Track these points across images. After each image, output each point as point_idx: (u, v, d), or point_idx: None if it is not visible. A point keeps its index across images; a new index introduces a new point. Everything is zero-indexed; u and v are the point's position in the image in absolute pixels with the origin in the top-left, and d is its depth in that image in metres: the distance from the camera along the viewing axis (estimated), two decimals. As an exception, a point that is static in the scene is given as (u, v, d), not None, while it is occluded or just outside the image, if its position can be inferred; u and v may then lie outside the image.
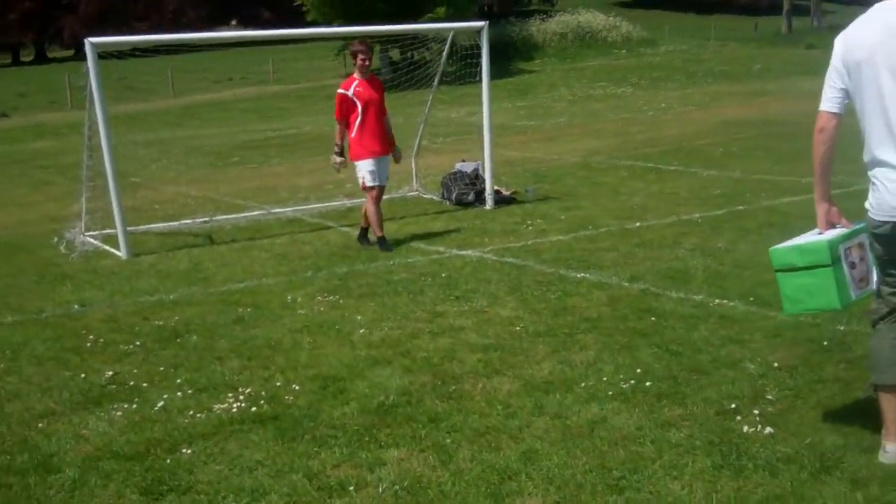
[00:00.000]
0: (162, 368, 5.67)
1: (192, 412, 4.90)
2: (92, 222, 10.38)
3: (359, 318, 6.51)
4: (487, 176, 10.87)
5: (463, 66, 12.66)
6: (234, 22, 63.05)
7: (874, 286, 3.88)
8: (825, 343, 5.27)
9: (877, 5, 3.66)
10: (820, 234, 3.93)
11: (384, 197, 9.21)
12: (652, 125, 19.53)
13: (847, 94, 3.71)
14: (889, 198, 3.58)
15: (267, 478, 4.04)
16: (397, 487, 3.86)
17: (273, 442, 4.43)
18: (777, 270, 3.99)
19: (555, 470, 3.91)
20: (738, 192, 10.46)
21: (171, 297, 7.52)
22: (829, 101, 3.76)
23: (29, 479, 4.21)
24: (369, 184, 8.77)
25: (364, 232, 9.11)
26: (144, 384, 5.40)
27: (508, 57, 39.12)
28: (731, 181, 11.35)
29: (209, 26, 51.16)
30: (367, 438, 4.38)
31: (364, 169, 8.75)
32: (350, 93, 8.70)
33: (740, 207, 9.58)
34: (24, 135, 28.15)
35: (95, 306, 7.37)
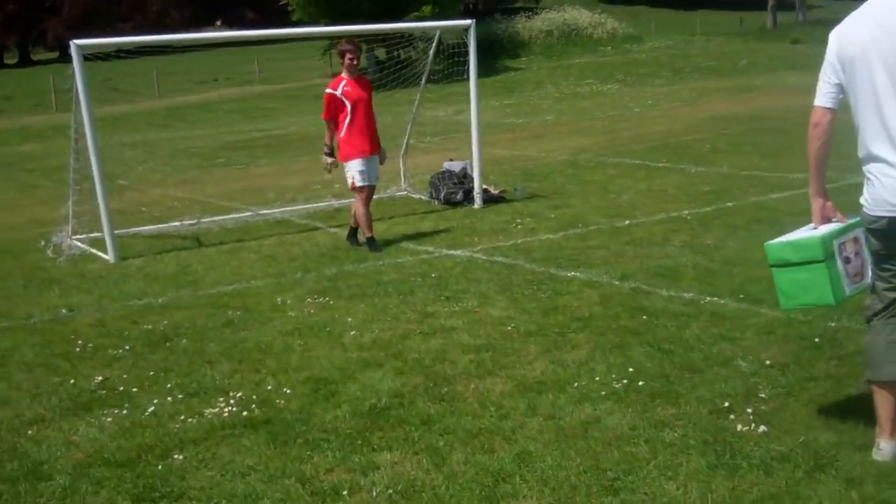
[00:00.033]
0: (152, 373, 5.63)
1: (182, 417, 4.86)
2: (79, 226, 10.33)
3: (349, 319, 6.49)
4: (476, 175, 10.85)
5: (450, 64, 12.66)
6: (218, 22, 62.94)
7: (869, 280, 3.89)
8: (816, 340, 5.28)
9: (869, 1, 3.66)
10: (815, 228, 3.94)
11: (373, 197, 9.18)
12: (639, 122, 19.55)
13: (841, 90, 3.72)
14: (884, 193, 3.58)
15: (259, 483, 4.02)
16: (391, 491, 3.84)
17: (265, 446, 4.40)
18: (772, 266, 4.00)
19: (549, 471, 3.90)
20: (726, 189, 10.48)
21: (160, 300, 7.48)
22: (823, 97, 3.76)
23: (19, 486, 4.17)
24: (359, 184, 8.73)
25: (353, 232, 9.08)
26: (134, 389, 5.37)
27: (495, 55, 39.08)
28: (720, 177, 11.37)
29: (193, 27, 50.99)
30: (359, 442, 4.36)
31: (353, 169, 8.72)
32: (338, 92, 8.67)
33: (729, 204, 9.60)
34: (9, 138, 27.94)
35: (84, 311, 7.32)
